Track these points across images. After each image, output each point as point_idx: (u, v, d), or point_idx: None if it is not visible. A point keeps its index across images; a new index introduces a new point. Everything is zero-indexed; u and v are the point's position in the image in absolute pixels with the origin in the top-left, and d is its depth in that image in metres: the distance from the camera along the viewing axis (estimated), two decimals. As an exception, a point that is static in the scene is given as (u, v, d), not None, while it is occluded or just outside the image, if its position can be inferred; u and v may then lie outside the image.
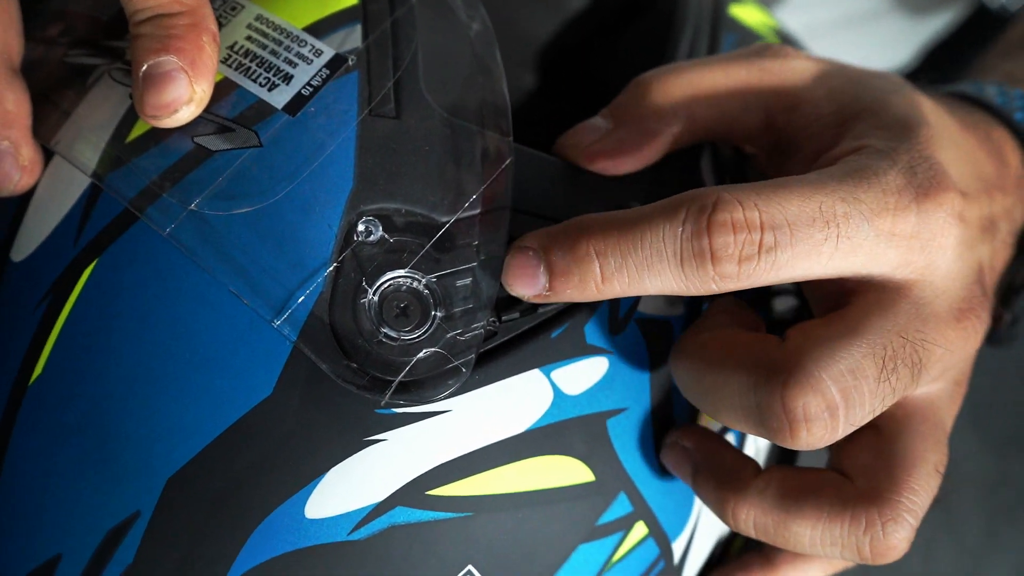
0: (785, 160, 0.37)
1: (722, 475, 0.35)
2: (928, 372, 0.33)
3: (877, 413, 0.32)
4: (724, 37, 0.43)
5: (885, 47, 0.71)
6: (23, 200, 0.35)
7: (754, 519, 0.34)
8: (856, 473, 0.33)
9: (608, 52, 0.47)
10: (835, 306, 0.33)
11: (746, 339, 0.33)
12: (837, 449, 0.35)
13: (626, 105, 0.37)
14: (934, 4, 0.69)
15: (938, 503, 0.34)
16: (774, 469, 0.34)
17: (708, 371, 0.33)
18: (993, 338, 0.44)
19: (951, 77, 0.48)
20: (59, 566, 0.32)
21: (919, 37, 0.70)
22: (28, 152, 0.34)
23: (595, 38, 0.48)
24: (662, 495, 0.36)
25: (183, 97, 0.32)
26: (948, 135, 0.35)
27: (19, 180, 0.34)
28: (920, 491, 0.33)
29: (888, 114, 0.35)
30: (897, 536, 0.32)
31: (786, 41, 0.47)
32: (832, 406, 0.31)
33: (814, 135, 0.36)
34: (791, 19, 0.52)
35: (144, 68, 0.32)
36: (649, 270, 0.32)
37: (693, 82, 0.36)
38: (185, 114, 0.32)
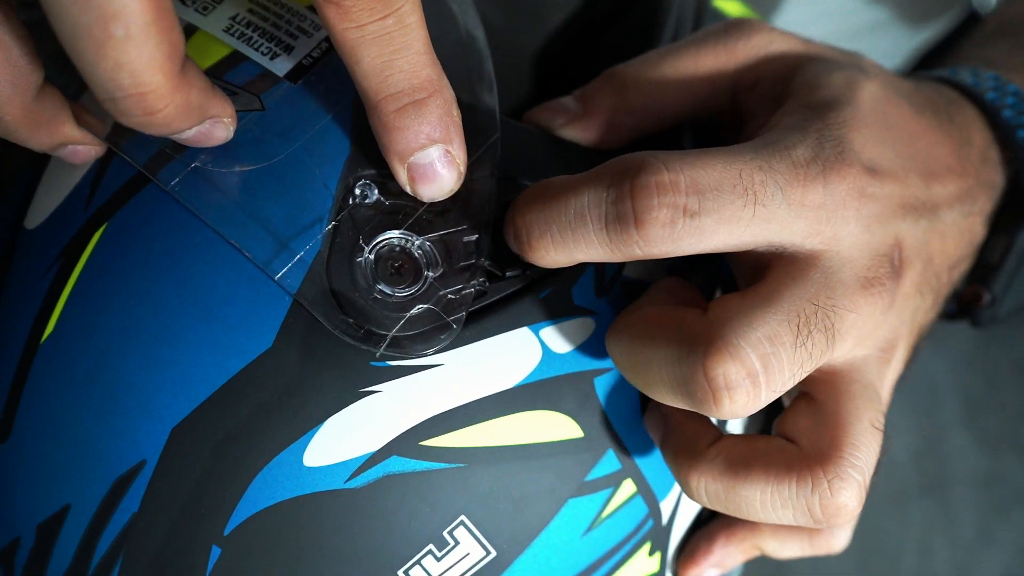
0: (735, 134, 0.39)
1: (682, 443, 0.35)
2: (843, 338, 0.34)
3: (797, 380, 0.33)
4: (708, 26, 0.44)
5: (881, 61, 0.72)
6: (36, 173, 0.37)
7: (705, 486, 0.34)
8: (799, 436, 0.34)
9: (596, 47, 0.49)
10: (754, 278, 0.34)
11: (671, 314, 0.34)
12: (779, 420, 0.36)
13: (597, 96, 0.38)
14: (928, 16, 0.70)
15: (882, 465, 0.34)
16: (726, 438, 0.35)
17: (637, 347, 0.34)
18: (975, 319, 0.44)
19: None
20: (68, 515, 0.33)
21: (913, 48, 0.71)
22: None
23: (584, 35, 0.50)
24: (649, 455, 0.37)
25: (454, 179, 0.33)
26: (877, 118, 0.36)
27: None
28: (861, 447, 0.33)
29: (818, 94, 0.36)
30: (845, 494, 0.33)
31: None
32: (752, 372, 0.31)
33: (762, 111, 0.37)
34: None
35: (411, 160, 0.33)
36: (573, 235, 0.33)
37: (665, 75, 0.38)
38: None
